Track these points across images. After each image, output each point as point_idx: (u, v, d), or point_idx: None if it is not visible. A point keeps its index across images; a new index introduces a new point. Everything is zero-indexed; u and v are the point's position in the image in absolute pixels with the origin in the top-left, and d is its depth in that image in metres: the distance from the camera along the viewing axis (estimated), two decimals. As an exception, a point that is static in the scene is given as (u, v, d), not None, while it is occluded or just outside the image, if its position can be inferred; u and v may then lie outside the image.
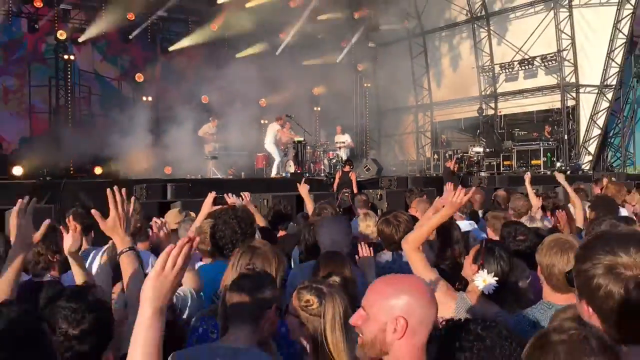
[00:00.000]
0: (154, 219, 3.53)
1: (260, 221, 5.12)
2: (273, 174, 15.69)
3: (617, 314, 1.51)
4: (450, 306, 2.96)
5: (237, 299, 2.32)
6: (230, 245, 3.63)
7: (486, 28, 22.40)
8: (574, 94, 20.07)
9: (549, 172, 18.24)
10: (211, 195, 4.61)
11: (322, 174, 15.64)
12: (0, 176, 15.10)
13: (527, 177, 7.18)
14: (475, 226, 5.84)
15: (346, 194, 7.74)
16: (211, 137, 16.73)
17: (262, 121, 19.12)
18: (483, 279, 2.91)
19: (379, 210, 8.33)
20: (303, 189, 6.24)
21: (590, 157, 19.92)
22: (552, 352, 1.42)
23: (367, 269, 3.60)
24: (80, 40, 18.83)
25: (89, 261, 3.88)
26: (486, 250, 3.04)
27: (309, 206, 6.07)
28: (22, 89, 18.95)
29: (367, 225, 4.99)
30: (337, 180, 12.85)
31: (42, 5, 17.92)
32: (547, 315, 2.71)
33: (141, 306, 1.59)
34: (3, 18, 18.24)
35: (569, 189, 6.47)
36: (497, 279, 2.89)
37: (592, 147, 20.00)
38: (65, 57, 18.40)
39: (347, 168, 13.20)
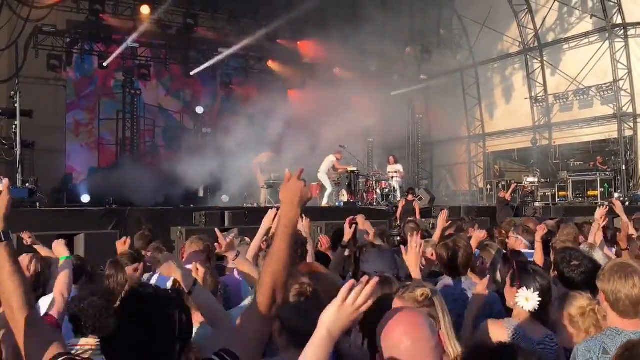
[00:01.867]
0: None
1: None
2: (323, 203, 16.00)
3: None
4: (502, 334, 3.01)
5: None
6: None
7: (539, 59, 22.38)
8: (631, 124, 19.74)
9: (606, 203, 17.90)
10: (272, 212, 4.63)
11: (375, 204, 15.89)
12: (71, 204, 16.14)
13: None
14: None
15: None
16: (266, 167, 17.29)
17: (316, 152, 19.59)
18: (525, 297, 2.97)
19: (431, 239, 8.53)
20: (361, 218, 6.17)
21: (650, 188, 19.44)
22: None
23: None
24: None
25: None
26: (520, 270, 3.11)
27: (370, 230, 6.08)
28: (92, 122, 20.17)
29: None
30: (400, 209, 13.19)
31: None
32: (617, 342, 2.67)
33: (318, 326, 1.75)
34: (76, 56, 19.55)
35: (623, 216, 6.34)
36: (537, 293, 2.96)
37: (651, 178, 19.54)
38: (132, 92, 19.49)
39: (410, 197, 13.53)
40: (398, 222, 12.09)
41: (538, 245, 5.11)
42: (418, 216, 12.20)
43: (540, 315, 3.04)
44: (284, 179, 2.21)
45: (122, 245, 5.32)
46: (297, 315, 2.37)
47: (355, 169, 16.09)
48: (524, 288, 2.98)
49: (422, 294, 2.53)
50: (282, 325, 2.37)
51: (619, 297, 2.74)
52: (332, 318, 1.74)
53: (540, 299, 2.95)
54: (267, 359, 2.48)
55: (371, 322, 2.43)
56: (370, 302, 1.77)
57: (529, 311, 2.99)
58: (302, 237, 4.24)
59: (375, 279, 1.80)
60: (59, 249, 3.65)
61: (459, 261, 4.05)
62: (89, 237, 8.36)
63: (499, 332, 3.05)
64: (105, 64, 19.55)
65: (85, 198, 17.12)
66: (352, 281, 1.79)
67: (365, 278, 1.80)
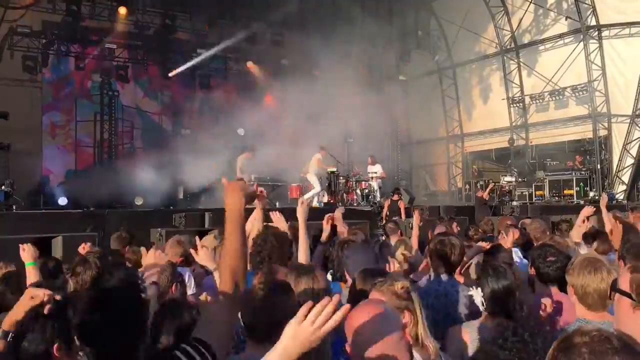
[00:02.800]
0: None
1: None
2: (314, 203, 15.97)
3: None
4: (466, 337, 3.10)
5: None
6: (266, 261, 3.91)
7: (516, 60, 22.69)
8: (605, 124, 20.09)
9: (582, 202, 18.23)
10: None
11: (355, 204, 15.95)
12: (47, 207, 15.95)
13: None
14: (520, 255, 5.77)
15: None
16: (245, 168, 17.25)
17: (295, 152, 19.61)
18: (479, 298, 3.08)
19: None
20: (338, 213, 6.28)
21: (624, 187, 19.79)
22: (576, 353, 1.41)
23: None
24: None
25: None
26: (481, 271, 3.22)
27: (342, 230, 6.13)
28: (69, 124, 19.92)
29: (401, 252, 5.15)
30: (385, 209, 13.34)
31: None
32: None
33: (280, 340, 1.72)
34: (52, 57, 19.31)
35: (606, 214, 6.48)
36: (482, 295, 3.05)
37: (626, 177, 19.89)
38: (110, 93, 19.32)
39: (395, 197, 13.72)
40: (384, 222, 12.22)
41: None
42: (403, 216, 12.38)
43: (498, 313, 3.08)
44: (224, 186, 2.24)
45: (82, 251, 5.30)
46: (249, 314, 2.55)
47: (335, 169, 16.15)
48: (479, 289, 3.06)
49: (401, 287, 2.56)
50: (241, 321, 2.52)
51: (588, 291, 2.81)
52: (289, 335, 1.70)
53: (482, 299, 3.01)
54: (233, 355, 2.58)
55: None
56: (333, 323, 1.69)
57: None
58: (288, 239, 4.28)
59: (337, 298, 1.74)
60: (25, 255, 3.60)
61: (452, 259, 4.07)
62: (67, 240, 8.27)
63: (464, 335, 3.12)
64: (82, 65, 19.35)
65: (63, 201, 16.89)
66: (310, 302, 1.74)
67: (327, 298, 1.73)
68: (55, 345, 2.19)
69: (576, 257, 3.20)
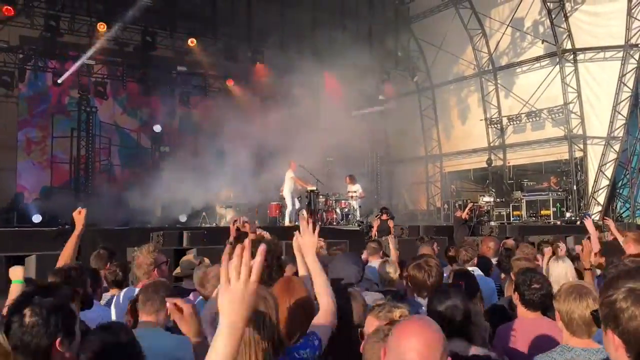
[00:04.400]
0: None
1: None
2: (286, 222, 15.96)
3: None
4: None
5: None
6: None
7: (494, 82, 23.03)
8: (581, 145, 20.43)
9: (558, 222, 18.45)
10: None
11: (335, 223, 15.93)
12: (21, 224, 15.60)
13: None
14: (480, 272, 5.73)
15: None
16: (226, 189, 17.18)
17: (274, 170, 19.57)
18: None
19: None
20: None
21: (600, 208, 20.08)
22: None
23: None
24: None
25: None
26: (436, 291, 3.19)
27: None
28: (45, 140, 19.59)
29: (387, 272, 5.05)
30: (375, 228, 13.48)
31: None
32: (566, 357, 2.76)
33: (220, 318, 1.59)
34: (29, 73, 19.07)
35: (617, 233, 6.57)
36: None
37: (601, 198, 20.20)
38: (88, 109, 19.10)
39: (384, 217, 13.76)
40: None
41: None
42: (392, 234, 12.43)
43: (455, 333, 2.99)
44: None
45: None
46: None
47: (314, 188, 16.13)
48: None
49: (400, 315, 2.54)
50: None
51: (573, 318, 2.83)
52: (226, 308, 1.57)
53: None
54: None
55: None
56: (257, 270, 1.58)
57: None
58: (279, 250, 4.20)
59: (247, 241, 1.62)
60: (15, 273, 3.48)
61: (430, 281, 4.05)
62: (40, 259, 8.06)
63: None
64: (59, 81, 19.10)
65: (37, 218, 16.54)
66: (224, 257, 1.60)
67: (238, 247, 1.60)
68: (58, 340, 2.05)
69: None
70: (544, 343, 3.22)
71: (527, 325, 3.54)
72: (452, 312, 2.96)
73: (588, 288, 2.94)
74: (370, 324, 2.63)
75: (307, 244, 3.08)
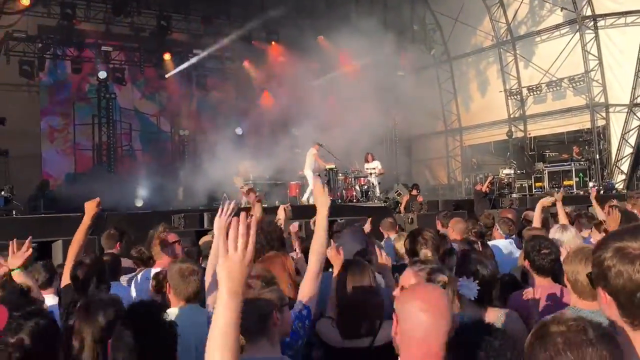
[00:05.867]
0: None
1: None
2: (304, 199, 16.03)
3: (629, 292, 1.55)
4: None
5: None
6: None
7: (512, 52, 22.67)
8: (603, 114, 20.08)
9: (581, 192, 18.25)
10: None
11: (354, 200, 15.97)
12: (48, 211, 15.95)
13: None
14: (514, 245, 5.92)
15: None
16: (247, 170, 17.27)
17: (295, 150, 19.63)
18: (466, 286, 3.01)
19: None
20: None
21: (624, 176, 19.80)
22: (551, 342, 1.41)
23: (385, 273, 3.90)
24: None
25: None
26: (461, 259, 3.28)
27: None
28: (67, 128, 19.94)
29: (400, 245, 5.15)
30: (404, 204, 13.65)
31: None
32: None
33: (219, 287, 1.67)
34: (49, 62, 19.32)
35: (596, 205, 6.63)
36: (477, 282, 2.99)
37: (625, 166, 19.89)
38: (107, 96, 19.32)
39: (414, 192, 13.81)
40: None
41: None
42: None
43: (482, 301, 3.08)
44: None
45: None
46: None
47: (333, 166, 16.17)
48: (464, 277, 3.04)
49: (440, 281, 2.66)
50: None
51: (578, 279, 2.87)
52: (223, 274, 1.65)
53: (478, 287, 2.97)
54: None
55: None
56: (252, 240, 1.66)
57: (471, 299, 3.00)
58: (278, 230, 4.25)
59: (243, 214, 1.68)
60: (14, 261, 3.54)
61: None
62: (67, 244, 8.26)
63: None
64: (78, 69, 19.36)
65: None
66: (221, 231, 1.68)
67: (234, 219, 1.67)
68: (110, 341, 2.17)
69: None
70: (555, 308, 3.26)
71: (538, 291, 3.57)
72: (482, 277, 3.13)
73: None
74: (407, 278, 2.74)
75: (322, 203, 3.18)
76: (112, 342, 2.29)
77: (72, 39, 18.68)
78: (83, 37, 18.94)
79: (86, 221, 4.20)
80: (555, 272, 3.65)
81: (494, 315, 3.09)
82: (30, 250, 3.57)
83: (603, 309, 1.66)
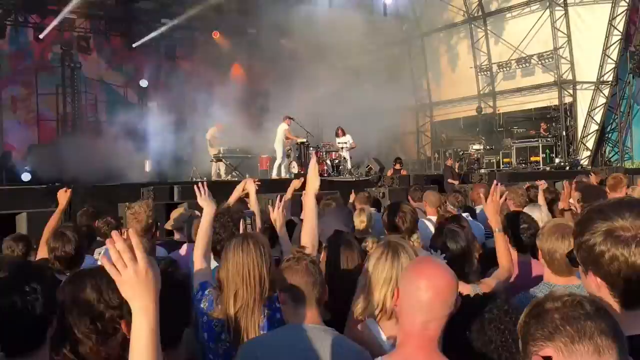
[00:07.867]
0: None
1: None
2: (273, 174, 15.97)
3: (625, 276, 1.53)
4: None
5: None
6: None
7: (483, 28, 22.74)
8: (571, 91, 20.38)
9: (547, 168, 18.58)
10: (245, 182, 4.73)
11: (325, 175, 15.93)
12: (10, 183, 15.51)
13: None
14: (471, 218, 5.97)
15: None
16: (215, 141, 17.06)
17: (264, 123, 19.45)
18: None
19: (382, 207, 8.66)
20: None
21: (589, 153, 20.23)
22: (549, 319, 1.39)
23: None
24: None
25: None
26: (436, 233, 3.29)
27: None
28: (30, 98, 19.32)
29: (361, 220, 5.05)
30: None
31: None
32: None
33: (130, 304, 1.57)
34: (10, 28, 18.60)
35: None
36: (444, 255, 2.99)
37: (590, 143, 20.30)
38: (72, 65, 18.74)
39: (397, 166, 13.79)
40: None
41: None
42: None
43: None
44: None
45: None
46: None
47: (305, 140, 16.08)
48: (439, 251, 3.08)
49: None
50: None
51: (555, 257, 2.86)
52: (127, 293, 1.55)
53: (445, 260, 2.89)
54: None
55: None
56: (138, 249, 1.55)
57: None
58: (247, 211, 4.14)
59: (118, 233, 1.57)
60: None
61: (405, 226, 4.21)
62: (31, 216, 8.06)
63: None
64: (41, 36, 18.68)
65: (26, 176, 16.48)
66: (103, 257, 1.63)
67: (114, 234, 1.56)
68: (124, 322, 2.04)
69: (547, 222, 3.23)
70: (534, 283, 3.28)
71: (516, 267, 3.58)
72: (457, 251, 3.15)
73: (571, 227, 2.93)
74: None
75: (313, 184, 3.27)
76: None
77: (35, 5, 17.98)
78: (46, 3, 18.24)
79: (60, 209, 4.69)
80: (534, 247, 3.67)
81: (466, 291, 3.06)
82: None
83: (589, 290, 1.65)
